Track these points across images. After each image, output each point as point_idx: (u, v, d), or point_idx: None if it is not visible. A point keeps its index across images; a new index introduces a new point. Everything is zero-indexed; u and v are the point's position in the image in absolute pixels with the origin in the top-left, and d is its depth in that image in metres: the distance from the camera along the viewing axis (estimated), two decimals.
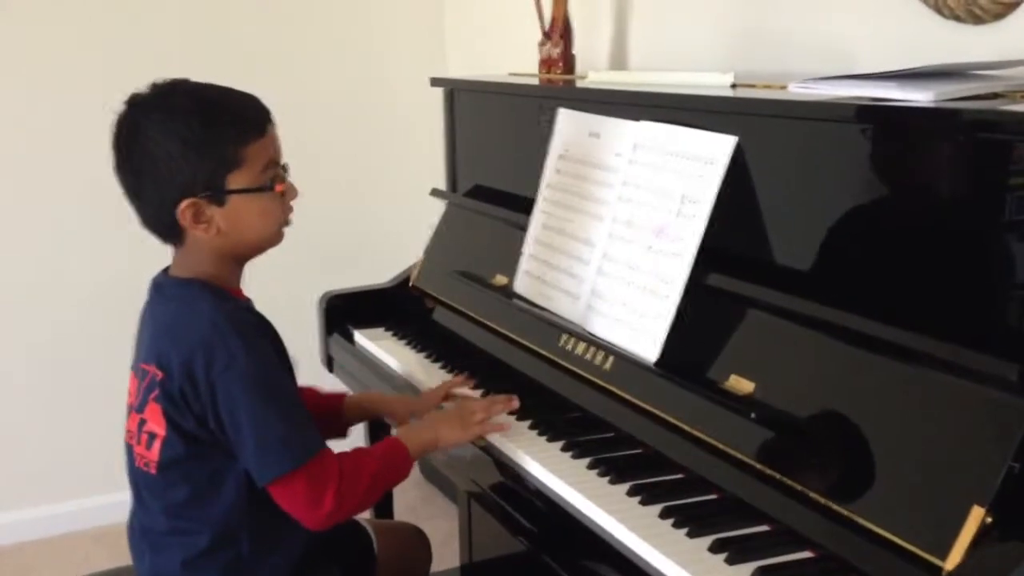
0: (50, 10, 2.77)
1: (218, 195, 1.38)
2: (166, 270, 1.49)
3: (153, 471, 1.41)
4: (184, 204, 1.37)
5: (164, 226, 1.41)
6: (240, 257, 1.46)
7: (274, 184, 1.42)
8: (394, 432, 1.74)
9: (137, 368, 1.45)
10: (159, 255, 1.50)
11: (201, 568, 1.42)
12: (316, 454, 1.38)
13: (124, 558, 1.56)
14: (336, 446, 1.47)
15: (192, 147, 1.35)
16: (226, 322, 1.37)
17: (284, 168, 1.45)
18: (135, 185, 1.40)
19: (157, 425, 1.40)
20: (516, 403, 1.63)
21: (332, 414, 1.72)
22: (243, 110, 1.41)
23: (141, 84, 1.41)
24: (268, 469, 1.36)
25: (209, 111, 1.37)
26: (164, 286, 1.46)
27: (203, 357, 1.34)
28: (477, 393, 1.76)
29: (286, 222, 1.46)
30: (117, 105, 1.40)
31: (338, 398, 1.75)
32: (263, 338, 1.41)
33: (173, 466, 1.40)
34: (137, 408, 1.43)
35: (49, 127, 2.82)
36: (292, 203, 1.47)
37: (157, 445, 1.40)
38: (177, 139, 1.35)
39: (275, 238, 1.46)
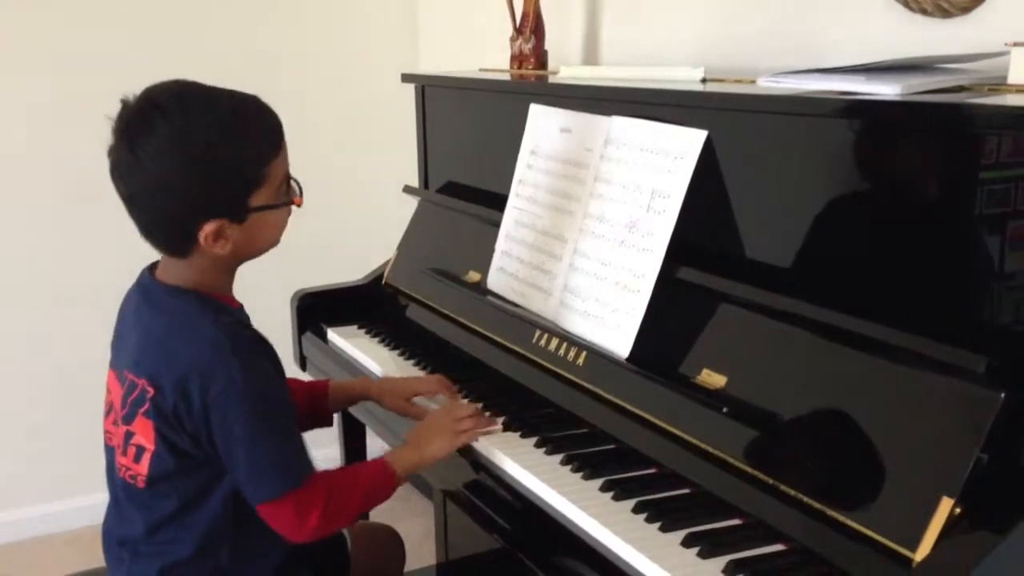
0: (31, 4, 2.74)
1: (240, 215, 1.33)
2: (152, 269, 1.42)
3: (141, 485, 1.39)
4: (208, 228, 1.31)
5: (175, 242, 1.35)
6: (239, 264, 1.42)
7: (291, 199, 1.40)
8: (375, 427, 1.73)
9: (121, 373, 1.41)
10: (140, 255, 1.45)
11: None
12: (304, 480, 1.37)
13: (97, 561, 1.55)
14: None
15: (217, 175, 1.30)
16: (225, 340, 1.33)
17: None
18: (151, 203, 1.32)
19: (147, 439, 1.37)
20: (498, 426, 1.61)
21: (316, 402, 1.71)
22: (263, 125, 1.36)
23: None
24: (259, 492, 1.36)
25: (231, 131, 1.31)
26: (153, 292, 1.40)
27: (199, 378, 1.31)
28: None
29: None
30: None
31: (321, 385, 1.74)
32: (260, 355, 1.38)
33: (163, 480, 1.38)
34: (124, 419, 1.39)
35: (31, 123, 2.79)
36: None
37: (146, 459, 1.37)
38: (200, 168, 1.29)
39: (275, 244, 1.43)
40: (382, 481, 1.48)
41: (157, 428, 1.35)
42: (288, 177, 1.40)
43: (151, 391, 1.35)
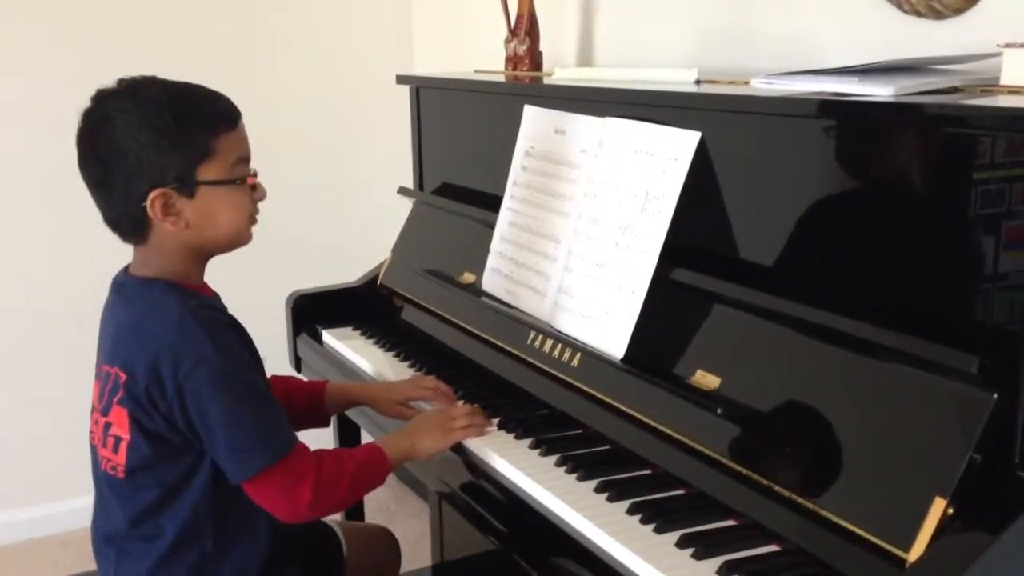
0: (13, 5, 2.74)
1: (188, 186, 1.36)
2: (127, 269, 1.46)
3: (121, 475, 1.40)
4: (153, 195, 1.34)
5: (130, 220, 1.38)
6: (206, 253, 1.44)
7: (244, 178, 1.41)
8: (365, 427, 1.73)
9: (100, 370, 1.44)
10: (125, 256, 1.47)
11: (168, 571, 1.41)
12: (290, 450, 1.38)
13: (92, 563, 1.54)
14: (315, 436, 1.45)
15: (163, 136, 1.33)
16: (193, 321, 1.35)
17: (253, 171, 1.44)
18: (102, 178, 1.37)
19: (121, 428, 1.38)
20: (492, 427, 1.61)
21: (314, 403, 1.72)
22: (214, 102, 1.40)
23: (108, 82, 1.39)
24: (243, 467, 1.36)
25: (181, 102, 1.36)
26: (125, 286, 1.44)
27: (170, 358, 1.33)
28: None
29: (254, 220, 1.45)
30: (83, 103, 1.38)
31: (319, 387, 1.75)
32: (232, 335, 1.40)
33: (142, 469, 1.39)
34: (102, 411, 1.41)
35: (10, 125, 2.78)
36: (260, 204, 1.46)
37: (123, 448, 1.39)
38: (148, 128, 1.33)
39: (243, 235, 1.44)
40: (374, 460, 1.48)
41: (131, 414, 1.36)
42: (245, 162, 1.42)
43: (123, 377, 1.36)
